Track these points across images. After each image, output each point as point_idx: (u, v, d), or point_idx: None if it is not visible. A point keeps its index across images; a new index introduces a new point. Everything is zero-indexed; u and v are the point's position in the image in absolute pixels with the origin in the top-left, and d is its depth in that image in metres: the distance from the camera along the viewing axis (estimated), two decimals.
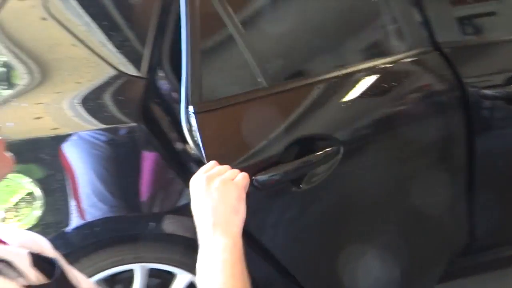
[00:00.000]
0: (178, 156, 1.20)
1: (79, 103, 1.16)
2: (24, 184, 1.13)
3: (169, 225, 1.26)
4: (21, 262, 0.56)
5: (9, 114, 1.15)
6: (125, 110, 1.18)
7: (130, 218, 1.25)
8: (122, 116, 1.17)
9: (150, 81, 1.18)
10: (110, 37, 1.21)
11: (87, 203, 1.17)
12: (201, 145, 1.01)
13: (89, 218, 1.18)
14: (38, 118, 1.15)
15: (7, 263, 0.53)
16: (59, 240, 1.18)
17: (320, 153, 1.12)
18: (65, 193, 1.15)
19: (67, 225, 1.19)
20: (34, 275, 0.56)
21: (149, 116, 1.16)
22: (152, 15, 1.18)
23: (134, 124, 1.15)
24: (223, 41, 1.18)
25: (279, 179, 1.07)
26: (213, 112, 1.05)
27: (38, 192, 1.13)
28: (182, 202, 1.24)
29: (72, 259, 1.20)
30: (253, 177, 1.02)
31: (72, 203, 1.16)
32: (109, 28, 1.23)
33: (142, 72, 1.18)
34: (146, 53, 1.18)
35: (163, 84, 1.21)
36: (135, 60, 1.20)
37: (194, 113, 1.01)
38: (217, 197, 0.67)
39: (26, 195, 1.12)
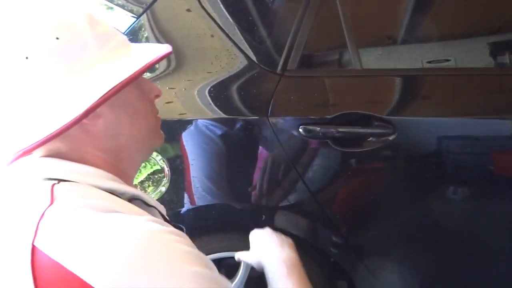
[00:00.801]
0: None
1: (209, 91, 1.21)
2: (157, 161, 1.23)
3: (280, 220, 1.26)
4: (149, 197, 0.66)
5: None
6: (254, 103, 1.20)
7: (244, 208, 1.28)
8: (249, 108, 1.20)
9: (284, 78, 1.19)
10: (251, 31, 1.24)
11: (207, 187, 1.23)
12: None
13: (207, 201, 1.24)
14: (169, 102, 1.22)
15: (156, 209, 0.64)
16: (176, 217, 1.27)
17: (360, 130, 1.19)
18: (188, 174, 1.23)
19: (184, 205, 1.26)
20: None
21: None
22: (295, 16, 1.19)
23: (260, 117, 1.17)
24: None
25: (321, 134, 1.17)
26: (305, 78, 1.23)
27: (166, 170, 1.22)
28: (296, 199, 1.24)
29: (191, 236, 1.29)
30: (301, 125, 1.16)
31: (194, 185, 1.22)
32: (251, 23, 1.26)
33: (278, 69, 1.20)
34: (284, 51, 1.19)
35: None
36: (272, 56, 1.22)
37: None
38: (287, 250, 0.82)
39: (157, 170, 1.22)
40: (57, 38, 0.56)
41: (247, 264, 1.32)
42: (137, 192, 0.63)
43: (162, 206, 0.69)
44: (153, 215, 0.60)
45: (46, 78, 0.55)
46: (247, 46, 1.21)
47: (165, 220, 0.67)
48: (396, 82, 1.24)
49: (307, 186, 1.21)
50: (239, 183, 1.26)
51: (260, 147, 1.21)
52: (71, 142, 0.59)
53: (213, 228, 1.31)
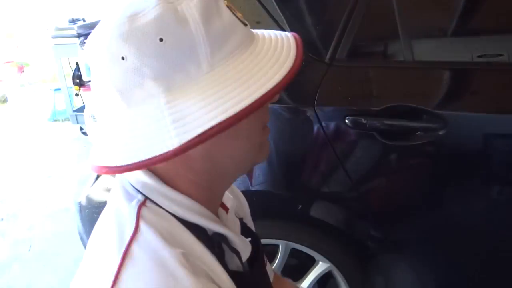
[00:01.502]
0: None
1: None
2: None
3: (319, 210, 1.26)
4: (246, 252, 0.61)
5: None
6: (301, 92, 1.20)
7: (285, 196, 1.29)
8: (295, 97, 1.19)
9: (332, 67, 1.18)
10: (300, 19, 1.23)
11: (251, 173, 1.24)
12: None
13: (249, 187, 1.24)
14: None
15: (224, 237, 0.57)
16: None
17: (408, 123, 1.15)
18: None
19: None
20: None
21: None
22: (347, 4, 1.16)
23: (307, 107, 1.17)
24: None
25: (367, 126, 1.14)
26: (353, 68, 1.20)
27: None
28: (337, 190, 1.24)
29: None
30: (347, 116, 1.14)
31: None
32: (300, 10, 1.25)
33: (326, 57, 1.18)
34: (334, 40, 1.17)
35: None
36: (321, 45, 1.20)
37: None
38: None
39: None
40: (161, 40, 0.45)
41: (284, 251, 1.33)
42: (224, 231, 0.56)
43: (248, 245, 0.62)
44: (231, 260, 0.57)
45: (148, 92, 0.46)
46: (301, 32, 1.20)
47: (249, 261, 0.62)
48: (448, 76, 1.20)
49: (349, 177, 1.20)
50: (281, 170, 1.27)
51: (305, 137, 1.21)
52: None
53: (253, 214, 1.32)
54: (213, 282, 0.52)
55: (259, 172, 1.27)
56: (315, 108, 1.16)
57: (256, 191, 1.27)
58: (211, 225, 0.55)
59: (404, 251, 1.29)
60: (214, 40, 0.47)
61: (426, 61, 1.22)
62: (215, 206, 0.60)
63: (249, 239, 0.64)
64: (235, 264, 0.59)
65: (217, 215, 0.60)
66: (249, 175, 1.28)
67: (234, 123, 0.45)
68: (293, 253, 1.36)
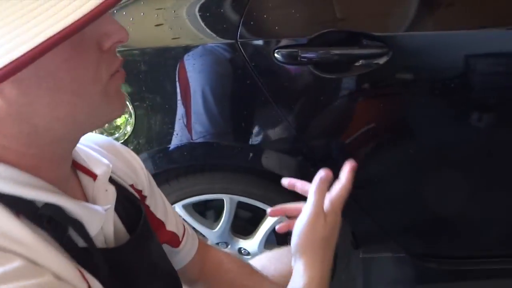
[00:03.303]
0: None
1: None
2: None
3: (263, 159, 1.14)
4: (94, 222, 0.49)
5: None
6: (222, 25, 1.04)
7: (228, 147, 1.16)
8: (216, 32, 1.04)
9: None
10: None
11: (193, 123, 1.12)
12: None
13: (191, 138, 1.13)
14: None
15: (57, 208, 0.45)
16: (156, 157, 1.17)
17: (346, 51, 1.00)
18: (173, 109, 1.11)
19: (168, 142, 1.16)
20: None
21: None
22: None
23: (230, 43, 1.02)
24: None
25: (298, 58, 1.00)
26: None
27: (130, 107, 1.10)
28: (279, 136, 1.11)
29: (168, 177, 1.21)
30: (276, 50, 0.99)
31: (179, 121, 1.11)
32: None
33: None
34: None
35: None
36: None
37: None
38: (329, 234, 0.63)
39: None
40: None
41: (230, 207, 1.24)
42: (58, 200, 0.45)
43: (98, 214, 0.49)
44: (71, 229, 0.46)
45: None
46: None
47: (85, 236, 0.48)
48: None
49: (289, 122, 1.06)
50: (217, 119, 1.14)
51: (233, 79, 1.07)
52: None
53: (199, 168, 1.22)
54: (35, 264, 0.41)
55: (196, 122, 1.15)
56: (238, 43, 1.01)
57: (197, 143, 1.15)
58: (39, 195, 0.44)
59: (357, 194, 1.17)
60: None
61: None
62: (55, 173, 0.48)
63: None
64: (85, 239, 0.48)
65: (61, 183, 0.49)
66: (187, 126, 1.16)
67: (31, 60, 0.34)
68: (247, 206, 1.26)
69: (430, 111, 1.06)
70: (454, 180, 1.14)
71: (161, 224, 0.68)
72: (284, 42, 1.00)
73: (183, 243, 0.71)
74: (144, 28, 1.07)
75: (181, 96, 1.10)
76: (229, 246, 1.32)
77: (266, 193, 1.20)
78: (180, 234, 0.71)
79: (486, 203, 1.16)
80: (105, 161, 0.57)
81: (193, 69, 1.06)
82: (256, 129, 1.11)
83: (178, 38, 1.06)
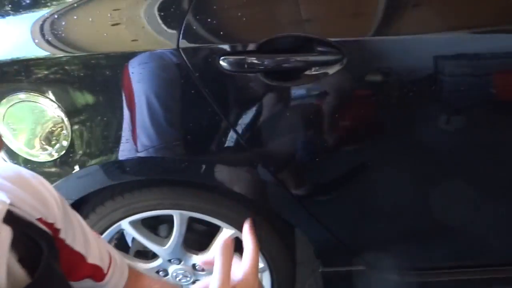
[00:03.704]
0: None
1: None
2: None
3: (213, 174, 1.06)
4: None
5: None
6: (162, 30, 0.95)
7: (174, 161, 1.08)
8: (157, 38, 0.95)
9: None
10: None
11: (138, 135, 1.03)
12: None
13: (137, 152, 1.03)
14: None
15: None
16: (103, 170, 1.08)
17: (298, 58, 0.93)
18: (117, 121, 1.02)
19: (112, 157, 1.06)
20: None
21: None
22: None
23: (171, 50, 0.93)
24: None
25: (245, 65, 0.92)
26: None
27: (65, 120, 1.00)
28: (225, 148, 1.03)
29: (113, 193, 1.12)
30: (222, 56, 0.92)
31: (124, 133, 1.02)
32: None
33: None
34: None
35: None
36: None
37: None
38: None
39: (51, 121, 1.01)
40: None
41: (181, 223, 1.16)
42: None
43: None
44: None
45: None
46: None
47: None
48: None
49: (238, 133, 0.99)
50: (163, 131, 1.05)
51: (176, 88, 0.98)
52: None
53: (146, 183, 1.13)
54: None
55: (143, 135, 1.05)
56: (181, 49, 0.93)
57: (143, 157, 1.06)
58: None
59: (310, 204, 1.11)
60: None
61: None
62: None
63: None
64: None
65: None
66: (133, 140, 1.07)
67: None
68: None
69: (386, 118, 1.00)
70: (412, 190, 1.09)
71: (81, 257, 0.61)
72: (230, 48, 0.92)
73: (108, 275, 0.64)
74: (81, 35, 0.98)
75: (125, 106, 1.01)
76: (182, 263, 1.25)
77: (219, 209, 1.13)
78: (105, 267, 0.64)
79: (447, 213, 1.12)
80: (1, 197, 0.49)
81: (137, 78, 0.97)
82: (203, 142, 1.03)
83: (121, 44, 0.97)
